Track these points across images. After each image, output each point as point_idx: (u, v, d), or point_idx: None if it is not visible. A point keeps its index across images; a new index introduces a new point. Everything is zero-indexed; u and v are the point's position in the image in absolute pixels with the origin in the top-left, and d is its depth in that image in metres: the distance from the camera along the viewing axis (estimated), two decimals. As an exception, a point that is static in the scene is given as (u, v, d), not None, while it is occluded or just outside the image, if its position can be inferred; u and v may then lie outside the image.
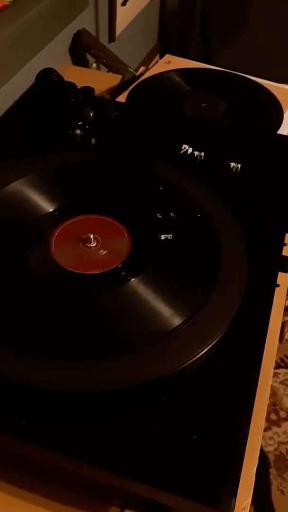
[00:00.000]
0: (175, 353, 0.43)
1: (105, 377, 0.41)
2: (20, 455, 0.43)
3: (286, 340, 1.03)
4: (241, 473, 0.37)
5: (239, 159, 0.63)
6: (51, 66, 0.76)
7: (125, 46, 1.33)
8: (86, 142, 0.67)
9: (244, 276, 0.49)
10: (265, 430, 1.11)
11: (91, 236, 0.52)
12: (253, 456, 0.44)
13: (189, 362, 0.42)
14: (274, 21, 1.53)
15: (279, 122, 0.77)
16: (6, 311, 0.46)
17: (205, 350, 0.43)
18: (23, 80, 0.84)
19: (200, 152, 0.64)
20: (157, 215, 0.55)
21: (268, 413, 1.16)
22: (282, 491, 1.04)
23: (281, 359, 1.26)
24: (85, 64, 1.11)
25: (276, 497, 1.04)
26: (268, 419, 1.15)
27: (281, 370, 1.24)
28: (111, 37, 1.23)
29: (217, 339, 0.44)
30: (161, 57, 0.96)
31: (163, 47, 1.67)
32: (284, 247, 0.55)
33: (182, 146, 0.65)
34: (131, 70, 1.01)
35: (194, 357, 0.42)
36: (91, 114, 0.67)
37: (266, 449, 1.10)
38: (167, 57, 0.93)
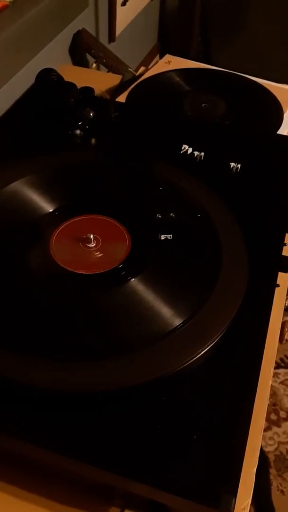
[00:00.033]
0: (175, 353, 0.43)
1: (105, 377, 0.41)
2: (20, 455, 0.43)
3: (286, 340, 1.03)
4: (241, 473, 0.37)
5: (239, 159, 0.63)
6: (51, 66, 0.76)
7: (125, 46, 1.33)
8: (86, 142, 0.67)
9: (244, 276, 0.49)
10: (265, 430, 1.11)
11: (91, 236, 0.52)
12: (253, 456, 0.44)
13: (189, 362, 0.42)
14: (274, 21, 1.52)
15: (279, 122, 0.77)
16: (6, 311, 0.46)
17: (205, 350, 0.43)
18: (23, 80, 0.84)
19: (200, 152, 0.64)
20: (157, 215, 0.55)
21: (268, 413, 1.16)
22: (282, 491, 1.04)
23: (281, 359, 1.26)
24: (85, 64, 1.11)
25: (276, 497, 1.04)
26: (268, 419, 1.15)
27: (281, 370, 1.24)
28: (111, 37, 1.23)
29: (217, 339, 0.44)
30: (161, 57, 0.96)
31: (163, 47, 1.67)
32: (284, 247, 0.55)
33: (182, 146, 0.65)
34: (131, 70, 1.01)
35: (194, 357, 0.42)
36: (91, 114, 0.67)
37: (266, 449, 1.10)
38: (167, 57, 0.93)
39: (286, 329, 0.96)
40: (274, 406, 1.18)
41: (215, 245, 0.52)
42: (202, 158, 0.64)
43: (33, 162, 0.61)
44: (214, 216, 0.55)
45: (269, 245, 0.54)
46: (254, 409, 0.41)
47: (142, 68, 0.96)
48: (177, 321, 0.45)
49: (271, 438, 1.12)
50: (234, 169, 0.63)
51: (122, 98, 0.81)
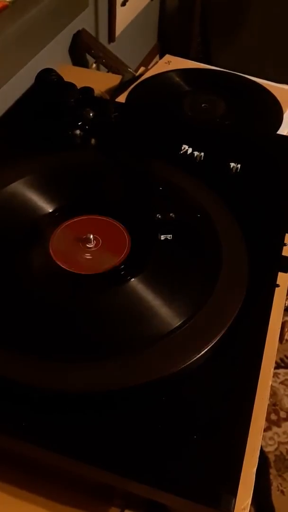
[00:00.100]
0: (175, 353, 0.43)
1: (105, 377, 0.41)
2: (20, 455, 0.43)
3: (286, 340, 1.03)
4: (241, 473, 0.37)
5: (239, 159, 0.63)
6: (51, 66, 0.76)
7: (125, 46, 1.33)
8: (86, 142, 0.67)
9: (244, 276, 0.49)
10: (265, 430, 1.11)
11: (91, 236, 0.52)
12: (253, 456, 0.44)
13: (189, 362, 0.42)
14: (274, 21, 1.52)
15: (279, 122, 0.77)
16: (6, 312, 0.46)
17: (205, 350, 0.43)
18: (23, 80, 0.84)
19: (200, 152, 0.64)
20: (157, 215, 0.55)
21: (268, 413, 1.16)
22: (282, 491, 1.04)
23: (281, 359, 1.26)
24: (85, 65, 1.11)
25: (276, 497, 1.03)
26: (268, 419, 1.14)
27: (281, 370, 1.24)
28: (111, 37, 1.23)
29: (217, 339, 0.44)
30: (161, 57, 0.96)
31: (163, 47, 1.67)
32: (284, 247, 0.55)
33: (182, 146, 0.65)
34: (131, 70, 1.01)
35: (194, 357, 0.42)
36: (91, 114, 0.67)
37: (266, 449, 1.10)
38: (167, 57, 0.93)
39: (286, 329, 0.96)
40: (274, 406, 1.18)
41: (215, 245, 0.52)
42: (202, 158, 0.64)
43: (33, 162, 0.61)
44: (214, 216, 0.55)
45: (269, 245, 0.54)
46: (254, 409, 0.41)
47: (142, 68, 0.96)
48: (177, 321, 0.45)
49: (271, 438, 1.12)
50: (234, 169, 0.63)
51: (122, 98, 0.81)
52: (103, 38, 1.20)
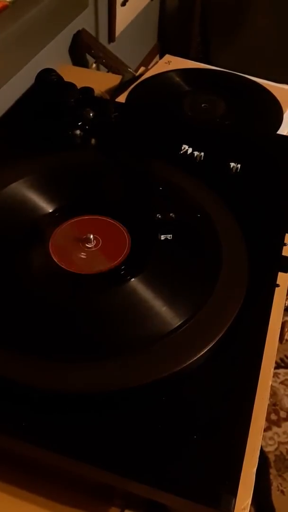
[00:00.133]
0: (175, 353, 0.43)
1: (105, 377, 0.41)
2: (20, 455, 0.43)
3: (286, 340, 1.03)
4: (241, 473, 0.37)
5: (239, 159, 0.63)
6: (51, 66, 0.76)
7: (125, 46, 1.33)
8: (86, 142, 0.67)
9: (244, 276, 0.49)
10: (265, 430, 1.11)
11: (91, 236, 0.52)
12: (253, 456, 0.44)
13: (189, 362, 0.42)
14: (274, 21, 1.52)
15: (279, 122, 0.77)
16: (6, 312, 0.46)
17: (205, 350, 0.43)
18: (23, 80, 0.84)
19: (200, 152, 0.64)
20: (157, 215, 0.55)
21: (268, 413, 1.16)
22: (282, 491, 1.04)
23: (281, 359, 1.26)
24: (85, 65, 1.11)
25: (276, 497, 1.04)
26: (268, 419, 1.14)
27: (281, 370, 1.24)
28: (111, 37, 1.23)
29: (217, 339, 0.44)
30: (161, 57, 0.96)
31: (163, 47, 1.67)
32: (284, 247, 0.55)
33: (182, 146, 0.65)
34: (131, 70, 1.00)
35: (194, 357, 0.42)
36: (91, 114, 0.67)
37: (266, 449, 1.10)
38: (167, 57, 0.93)
39: (286, 329, 0.95)
40: (274, 406, 1.18)
41: (215, 245, 0.52)
42: (202, 158, 0.64)
43: (33, 162, 0.61)
44: (214, 216, 0.55)
45: (269, 245, 0.54)
46: (254, 409, 0.41)
47: (142, 68, 0.96)
48: (177, 321, 0.45)
49: (271, 438, 1.12)
50: (234, 169, 0.63)
51: (122, 98, 0.81)
52: (103, 38, 1.20)
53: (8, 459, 0.44)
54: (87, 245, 0.52)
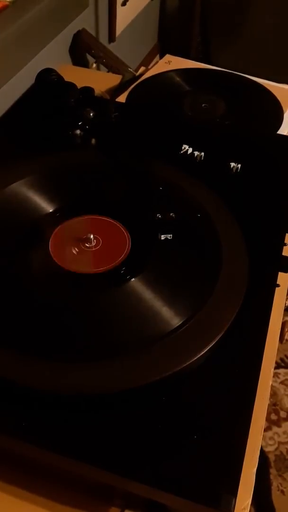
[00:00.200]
0: (175, 353, 0.43)
1: (105, 377, 0.41)
2: (20, 455, 0.43)
3: (286, 340, 1.03)
4: (241, 473, 0.37)
5: (239, 159, 0.63)
6: (51, 66, 0.76)
7: (125, 46, 1.33)
8: (86, 142, 0.67)
9: (244, 276, 0.49)
10: (265, 430, 1.11)
11: (91, 236, 0.52)
12: (253, 456, 0.44)
13: (189, 362, 0.42)
14: (274, 21, 1.52)
15: (279, 122, 0.77)
16: (5, 312, 0.46)
17: (205, 350, 0.43)
18: (23, 80, 0.84)
19: (200, 152, 0.64)
20: (157, 215, 0.55)
21: (268, 413, 1.16)
22: (282, 491, 1.04)
23: (281, 359, 1.26)
24: (85, 64, 1.11)
25: (276, 497, 1.04)
26: (268, 419, 1.15)
27: (281, 370, 1.24)
28: (111, 37, 1.23)
29: (217, 339, 0.44)
30: (161, 57, 0.96)
31: (163, 47, 1.67)
32: (284, 247, 0.55)
33: (182, 146, 0.65)
34: (131, 70, 1.01)
35: (194, 357, 0.42)
36: (91, 114, 0.67)
37: (266, 449, 1.10)
38: (167, 57, 0.93)
39: (286, 329, 0.95)
40: (274, 406, 1.18)
41: (215, 245, 0.52)
42: (202, 158, 0.64)
43: (33, 163, 0.61)
44: (214, 216, 0.55)
45: (269, 245, 0.54)
46: (254, 409, 0.41)
47: (142, 68, 0.96)
48: (177, 321, 0.45)
49: (271, 438, 1.12)
50: (234, 169, 0.63)
51: (122, 98, 0.81)
52: (103, 38, 1.20)
53: (8, 459, 0.44)
54: (87, 245, 0.52)
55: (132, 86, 0.84)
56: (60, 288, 0.48)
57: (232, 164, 0.63)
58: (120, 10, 1.21)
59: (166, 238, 0.53)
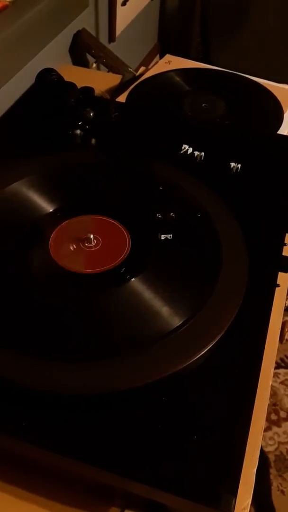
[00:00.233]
0: (175, 353, 0.43)
1: (105, 377, 0.41)
2: (20, 455, 0.43)
3: (286, 340, 1.03)
4: (241, 473, 0.37)
5: (239, 159, 0.63)
6: (51, 66, 0.76)
7: (125, 46, 1.33)
8: (86, 142, 0.67)
9: (244, 276, 0.49)
10: (265, 430, 1.11)
11: (91, 236, 0.52)
12: (253, 456, 0.44)
13: (189, 362, 0.42)
14: (274, 21, 1.52)
15: (279, 122, 0.77)
16: (5, 312, 0.46)
17: (205, 350, 0.43)
18: (23, 80, 0.84)
19: (200, 152, 0.64)
20: (157, 215, 0.55)
21: (268, 413, 1.16)
22: (282, 491, 1.04)
23: (281, 359, 1.26)
24: (85, 64, 1.11)
25: (276, 497, 1.04)
26: (268, 419, 1.15)
27: (281, 370, 1.24)
28: (111, 37, 1.23)
29: (217, 339, 0.44)
30: (161, 57, 0.96)
31: (163, 47, 1.67)
32: (284, 247, 0.55)
33: (182, 146, 0.65)
34: (131, 70, 1.01)
35: (195, 357, 0.42)
36: (91, 114, 0.67)
37: (266, 449, 1.10)
38: (167, 57, 0.93)
39: (286, 329, 0.96)
40: (274, 406, 1.18)
41: (215, 245, 0.52)
42: (202, 158, 0.64)
43: (33, 163, 0.61)
44: (214, 216, 0.55)
45: (269, 245, 0.54)
46: (254, 409, 0.41)
47: (142, 68, 0.96)
48: (177, 321, 0.45)
49: (271, 438, 1.12)
50: (234, 169, 0.63)
51: (122, 98, 0.81)
52: (103, 38, 1.20)
53: (8, 459, 0.44)
54: (87, 245, 0.52)
55: (132, 86, 0.84)
56: (60, 288, 0.48)
57: (232, 164, 0.63)
58: (120, 10, 1.21)
59: (166, 238, 0.53)
